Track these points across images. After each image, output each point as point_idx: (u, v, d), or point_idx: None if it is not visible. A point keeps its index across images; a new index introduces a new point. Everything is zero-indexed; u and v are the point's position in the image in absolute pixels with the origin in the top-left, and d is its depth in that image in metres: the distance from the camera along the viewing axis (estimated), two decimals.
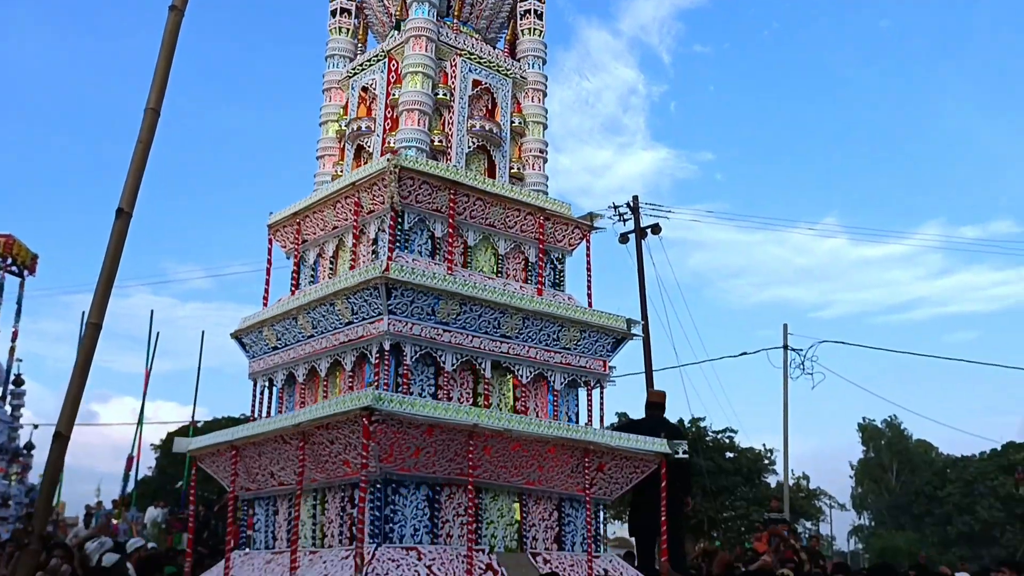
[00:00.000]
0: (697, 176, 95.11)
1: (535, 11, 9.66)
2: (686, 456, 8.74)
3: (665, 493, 8.46)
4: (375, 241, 8.22)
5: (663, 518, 8.51)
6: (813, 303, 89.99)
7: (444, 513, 7.49)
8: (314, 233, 8.88)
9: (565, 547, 8.20)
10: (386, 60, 8.95)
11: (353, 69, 9.38)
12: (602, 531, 8.76)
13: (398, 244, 7.95)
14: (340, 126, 9.30)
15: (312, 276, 8.96)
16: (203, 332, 44.73)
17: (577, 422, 8.71)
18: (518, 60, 9.59)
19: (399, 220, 7.97)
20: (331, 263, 8.72)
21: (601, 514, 8.68)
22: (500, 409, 8.17)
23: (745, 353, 24.87)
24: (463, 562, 7.20)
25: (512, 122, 9.27)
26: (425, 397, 7.65)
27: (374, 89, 9.03)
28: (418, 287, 7.50)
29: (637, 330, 9.04)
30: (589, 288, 9.09)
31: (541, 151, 9.38)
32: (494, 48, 9.53)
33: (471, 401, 8.05)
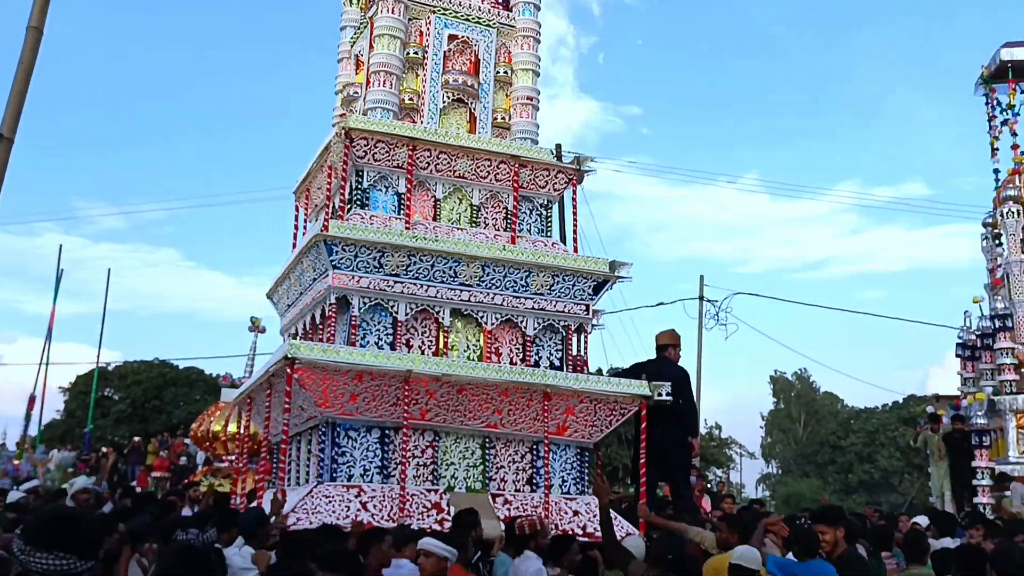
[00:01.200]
0: (624, 130, 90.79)
1: None
2: (670, 399, 8.48)
3: (646, 434, 8.31)
4: (351, 200, 8.71)
5: (642, 460, 8.36)
6: (733, 258, 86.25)
7: (396, 455, 7.89)
8: (317, 197, 9.53)
9: (538, 488, 8.30)
10: (369, 27, 9.35)
11: (351, 38, 9.87)
12: (586, 473, 8.70)
13: (358, 202, 8.39)
14: (343, 95, 9.85)
15: None
16: (109, 270, 42.80)
17: (562, 368, 8.73)
18: (510, 9, 9.60)
19: (360, 179, 8.40)
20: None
21: (585, 456, 8.65)
22: (468, 356, 8.41)
23: (662, 303, 24.65)
24: (387, 502, 7.56)
25: (498, 72, 9.33)
26: (382, 347, 8.08)
27: (363, 56, 9.48)
28: (359, 242, 7.91)
29: (625, 272, 8.84)
30: (575, 233, 9.05)
31: (530, 98, 9.38)
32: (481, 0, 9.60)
33: (434, 348, 8.35)
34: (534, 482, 8.34)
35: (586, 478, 8.65)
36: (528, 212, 9.00)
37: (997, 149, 18.67)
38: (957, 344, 17.36)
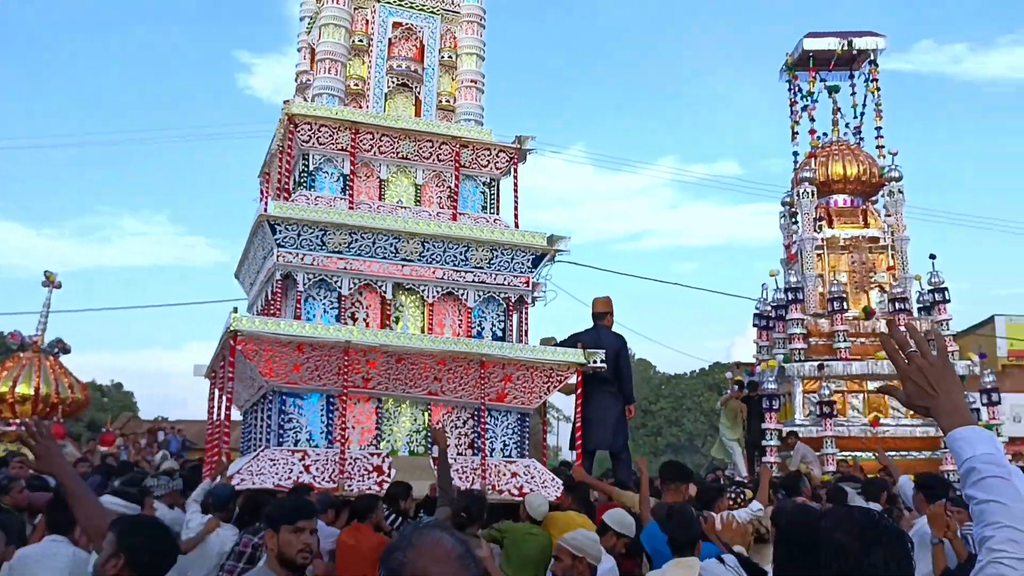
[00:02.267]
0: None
1: None
2: (604, 367, 8.89)
3: (581, 401, 8.74)
4: (299, 183, 9.18)
5: (578, 425, 8.79)
6: (559, 228, 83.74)
7: (339, 420, 8.37)
8: (276, 181, 10.02)
9: (479, 453, 8.75)
10: (319, 16, 9.80)
11: (307, 28, 10.33)
12: (526, 437, 9.13)
13: (305, 184, 8.87)
14: (300, 83, 10.32)
15: None
16: None
17: (504, 338, 9.16)
18: None
19: (306, 162, 8.87)
20: None
21: (526, 421, 9.09)
22: (412, 328, 8.87)
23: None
24: (344, 463, 8.08)
25: (443, 56, 9.73)
26: (328, 320, 8.56)
27: (315, 45, 9.93)
28: (302, 221, 8.39)
29: (563, 246, 9.24)
30: (515, 209, 9.43)
31: (474, 81, 9.77)
32: None
33: (379, 322, 8.82)
34: (475, 446, 8.79)
35: (526, 442, 9.10)
36: (471, 190, 9.41)
37: (797, 133, 19.87)
38: (754, 315, 18.43)
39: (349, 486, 7.97)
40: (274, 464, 7.91)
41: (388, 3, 9.62)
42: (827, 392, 15.49)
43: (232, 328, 7.74)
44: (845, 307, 16.62)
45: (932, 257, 17.66)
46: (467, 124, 9.53)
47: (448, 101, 9.72)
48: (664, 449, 46.22)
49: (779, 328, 17.53)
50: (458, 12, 9.88)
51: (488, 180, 9.52)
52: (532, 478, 8.71)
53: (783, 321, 17.19)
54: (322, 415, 8.36)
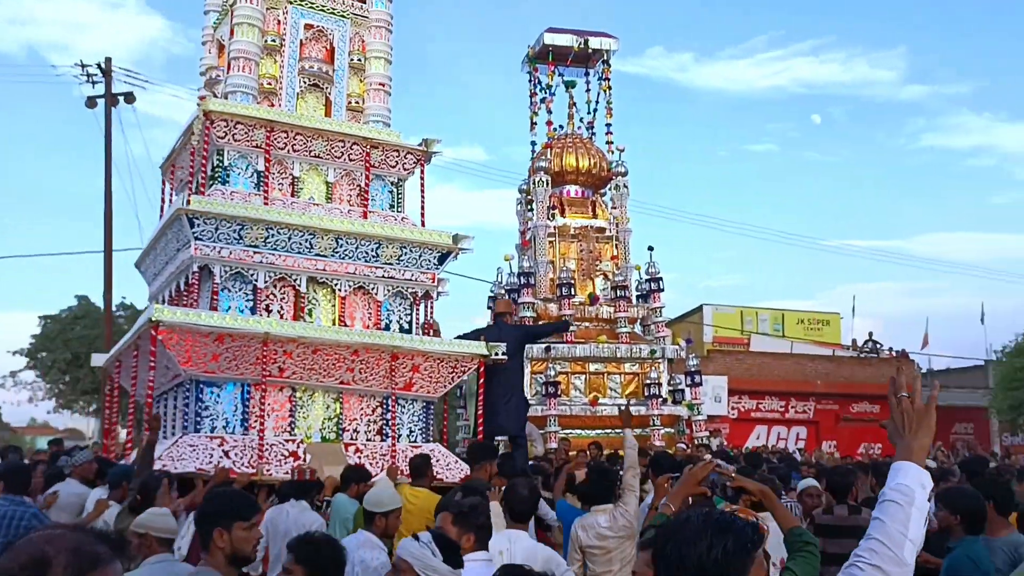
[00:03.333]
0: (195, 54, 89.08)
1: None
2: (505, 358, 9.57)
3: (483, 390, 9.39)
4: (212, 177, 9.40)
5: (479, 412, 9.44)
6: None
7: (255, 408, 8.70)
8: (182, 173, 10.16)
9: (387, 438, 9.25)
10: (230, 15, 10.00)
11: (214, 23, 10.49)
12: (431, 424, 9.71)
13: (219, 179, 9.11)
14: (207, 77, 10.47)
15: None
16: None
17: (411, 331, 9.69)
18: (364, 1, 10.39)
19: (220, 158, 9.12)
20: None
21: (430, 408, 9.66)
22: (324, 320, 9.27)
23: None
24: (263, 449, 8.43)
25: (352, 59, 10.13)
26: (243, 312, 8.85)
27: (225, 41, 10.13)
28: (219, 216, 8.65)
29: (467, 244, 9.84)
30: (422, 209, 9.97)
31: (382, 84, 10.21)
32: None
33: (292, 314, 9.18)
34: (383, 432, 9.29)
35: (431, 428, 9.68)
36: (379, 189, 9.88)
37: (535, 124, 20.32)
38: (489, 297, 18.82)
39: (268, 471, 8.33)
40: (194, 449, 8.18)
41: (300, 5, 9.93)
42: (553, 373, 15.84)
43: (154, 318, 7.96)
44: (573, 293, 17.12)
45: (650, 249, 18.44)
46: (375, 126, 9.97)
47: (357, 103, 10.12)
48: None
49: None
50: (367, 17, 10.29)
51: (396, 180, 10.00)
52: (437, 460, 9.29)
53: (516, 304, 17.01)
54: (238, 403, 8.67)
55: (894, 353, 34.02)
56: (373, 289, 9.48)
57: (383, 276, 9.48)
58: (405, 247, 9.53)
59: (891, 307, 76.32)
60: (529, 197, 19.26)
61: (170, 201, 10.45)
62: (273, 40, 9.70)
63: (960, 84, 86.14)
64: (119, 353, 9.77)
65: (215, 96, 9.89)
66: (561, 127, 20.28)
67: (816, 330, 36.73)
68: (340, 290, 9.33)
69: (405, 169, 10.00)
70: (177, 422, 8.87)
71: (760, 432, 31.43)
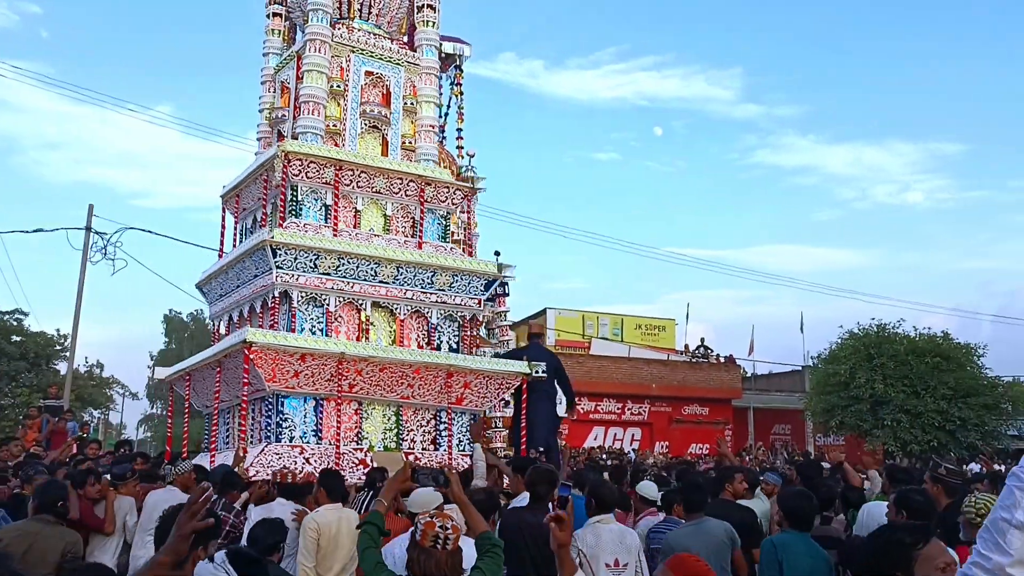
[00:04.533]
0: (19, 27, 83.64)
1: (430, 5, 11.45)
2: (545, 375, 10.66)
3: (525, 404, 10.47)
4: (286, 210, 10.37)
5: (523, 424, 10.52)
6: (133, 190, 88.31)
7: (328, 420, 9.68)
8: (248, 203, 11.10)
9: (441, 447, 10.28)
10: (295, 59, 10.99)
11: (276, 66, 11.46)
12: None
13: (292, 212, 10.08)
14: (269, 115, 11.44)
15: (245, 238, 11.21)
16: None
17: (458, 350, 10.74)
18: (415, 49, 11.44)
19: (295, 193, 10.10)
20: (259, 227, 10.95)
21: (476, 419, 10.71)
22: (383, 340, 10.28)
23: (42, 230, 23.25)
24: (339, 457, 9.41)
25: (405, 103, 11.17)
26: (315, 333, 9.83)
27: (288, 83, 11.11)
28: (298, 247, 9.64)
29: (510, 273, 10.93)
30: (468, 238, 11.03)
31: (432, 126, 11.26)
32: (392, 41, 11.39)
33: (357, 335, 10.18)
34: (437, 442, 10.32)
35: (467, 438, 10.73)
36: (431, 221, 10.92)
37: None
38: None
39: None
40: (280, 458, 9.14)
41: (361, 53, 10.94)
42: None
43: (248, 339, 8.93)
44: None
45: (497, 254, 18.92)
46: (427, 164, 11.01)
47: (410, 142, 11.15)
48: None
49: None
50: (418, 64, 11.33)
51: (445, 213, 11.05)
52: (477, 463, 10.34)
53: None
54: (311, 416, 9.65)
55: (722, 359, 35.86)
56: (427, 312, 10.51)
57: (436, 301, 10.53)
58: (456, 275, 10.58)
59: (722, 314, 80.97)
60: None
61: (234, 231, 11.39)
62: (338, 86, 10.70)
63: (789, 107, 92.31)
64: (191, 368, 10.65)
65: (283, 135, 10.89)
66: None
67: (653, 335, 38.27)
68: (399, 313, 10.35)
69: (453, 203, 11.06)
70: (256, 433, 9.81)
71: (598, 433, 32.63)
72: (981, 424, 26.31)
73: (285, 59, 11.28)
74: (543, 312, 36.02)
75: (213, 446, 10.19)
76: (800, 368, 39.00)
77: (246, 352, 8.96)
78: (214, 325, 11.53)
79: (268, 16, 11.81)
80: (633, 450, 27.91)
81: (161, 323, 53.35)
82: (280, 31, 11.75)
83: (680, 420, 34.05)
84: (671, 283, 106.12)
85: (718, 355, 36.09)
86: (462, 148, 19.78)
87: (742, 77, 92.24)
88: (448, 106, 20.02)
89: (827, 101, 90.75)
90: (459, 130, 18.90)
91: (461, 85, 19.19)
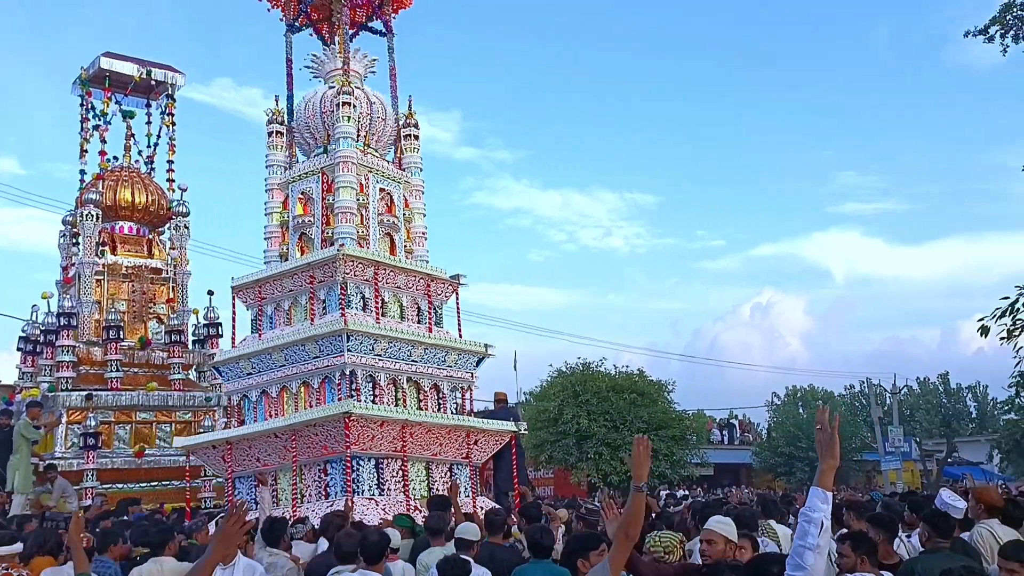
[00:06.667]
0: None
1: (413, 135, 14.07)
2: (526, 432, 13.54)
3: (516, 458, 13.26)
4: (324, 301, 12.37)
5: (515, 474, 13.28)
6: None
7: (385, 475, 11.80)
8: (272, 293, 12.86)
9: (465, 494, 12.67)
10: (319, 174, 13.08)
11: (292, 177, 13.42)
12: (477, 482, 13.31)
13: (346, 303, 12.19)
14: (283, 218, 13.31)
15: (270, 324, 12.94)
16: None
17: (455, 412, 13.28)
18: (403, 169, 13.97)
19: (344, 287, 12.21)
20: (288, 315, 12.77)
21: (475, 472, 13.27)
22: (413, 407, 12.60)
23: None
24: (399, 505, 11.56)
25: (405, 214, 13.67)
26: (369, 403, 11.94)
27: (311, 194, 13.15)
28: (363, 333, 11.80)
29: (492, 351, 13.71)
30: (459, 324, 13.70)
31: (423, 233, 13.83)
32: (387, 161, 13.85)
33: (394, 402, 12.40)
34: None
35: (469, 486, 13.28)
36: (433, 310, 13.43)
37: (87, 151, 18.79)
38: (20, 338, 17.37)
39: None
40: (365, 509, 11.17)
41: (376, 174, 13.31)
42: (93, 423, 15.03)
43: (347, 410, 10.98)
44: (122, 336, 16.40)
45: (210, 293, 18.46)
46: (423, 263, 13.55)
47: (408, 246, 13.62)
48: None
49: (47, 354, 16.68)
50: (410, 183, 13.90)
51: (439, 303, 13.62)
52: (482, 508, 12.93)
53: (53, 347, 16.39)
54: (374, 472, 11.73)
55: None
56: (441, 384, 13.00)
57: (447, 375, 13.05)
58: (461, 354, 13.20)
59: None
60: (75, 230, 17.97)
61: (251, 320, 13.04)
62: (362, 200, 12.98)
63: (504, 151, 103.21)
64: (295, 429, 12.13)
65: (300, 235, 12.90)
66: (116, 158, 19.29)
67: None
68: (424, 385, 12.74)
69: (445, 296, 13.67)
70: (336, 487, 11.62)
71: None
72: (670, 455, 29.76)
73: (307, 172, 13.28)
74: None
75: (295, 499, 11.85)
76: (514, 405, 43.03)
77: (347, 422, 10.98)
78: (231, 399, 12.98)
79: (269, 134, 13.66)
80: None
81: None
82: (282, 146, 13.68)
83: None
84: None
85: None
86: (173, 181, 19.25)
87: (461, 121, 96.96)
88: (158, 136, 19.65)
89: (540, 148, 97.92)
90: (170, 162, 19.43)
91: (173, 115, 19.58)
